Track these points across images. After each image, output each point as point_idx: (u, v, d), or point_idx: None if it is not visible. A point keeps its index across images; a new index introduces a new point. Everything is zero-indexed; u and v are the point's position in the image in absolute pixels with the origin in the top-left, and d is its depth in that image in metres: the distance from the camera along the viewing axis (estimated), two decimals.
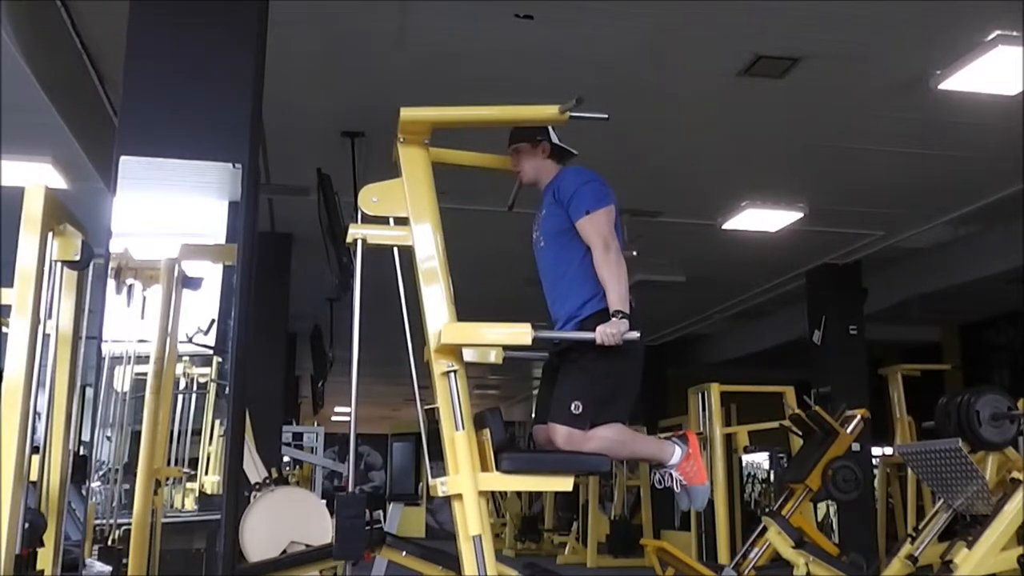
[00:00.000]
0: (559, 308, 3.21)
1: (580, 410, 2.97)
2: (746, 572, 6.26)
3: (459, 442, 2.79)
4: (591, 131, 5.62)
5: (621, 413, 3.10)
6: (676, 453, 3.20)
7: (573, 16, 4.75)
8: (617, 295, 2.99)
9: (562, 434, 2.98)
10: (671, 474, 3.20)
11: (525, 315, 2.97)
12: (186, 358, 3.60)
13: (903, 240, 8.53)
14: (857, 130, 6.23)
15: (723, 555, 7.76)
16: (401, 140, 3.05)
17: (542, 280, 3.30)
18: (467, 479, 2.77)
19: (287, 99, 5.47)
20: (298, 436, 12.10)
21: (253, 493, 5.47)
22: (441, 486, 2.82)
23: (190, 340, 3.43)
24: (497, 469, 2.83)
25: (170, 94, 3.32)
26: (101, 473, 3.50)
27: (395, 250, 3.06)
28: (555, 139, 3.34)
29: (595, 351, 2.98)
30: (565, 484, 2.94)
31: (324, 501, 5.90)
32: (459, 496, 2.77)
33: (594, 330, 2.95)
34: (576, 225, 3.14)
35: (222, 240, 3.34)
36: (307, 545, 4.80)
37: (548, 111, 3.04)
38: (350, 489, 3.23)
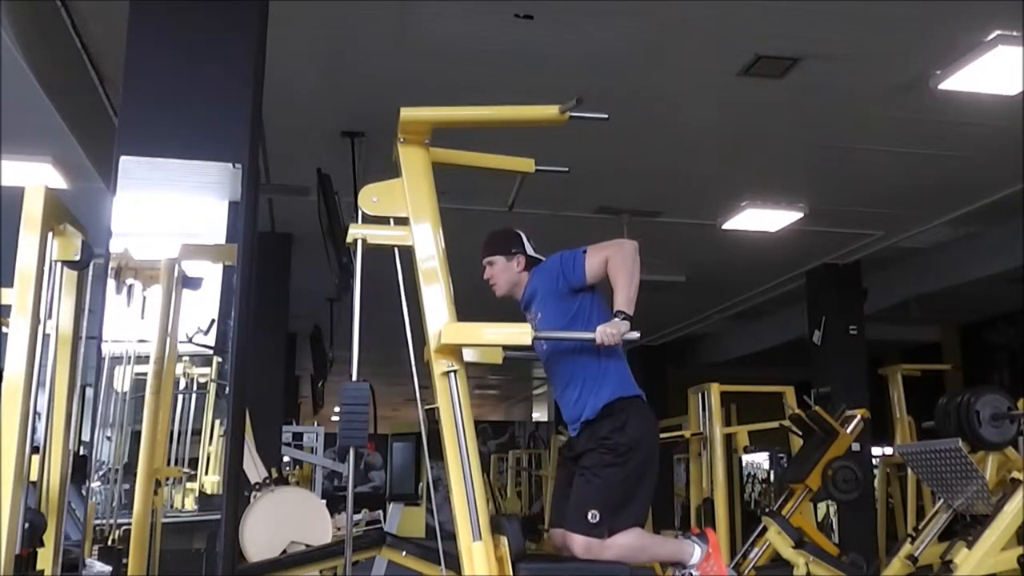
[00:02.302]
0: (571, 412, 3.18)
1: (597, 519, 2.96)
2: (746, 572, 6.25)
3: (476, 553, 2.71)
4: (591, 131, 5.67)
5: (639, 516, 3.08)
6: (696, 553, 3.18)
7: (573, 16, 4.75)
8: (625, 296, 2.98)
9: (580, 544, 2.96)
10: (692, 574, 3.17)
11: (525, 315, 2.97)
12: (186, 358, 3.60)
13: (903, 240, 8.53)
14: (857, 130, 6.23)
15: (723, 555, 7.75)
16: (401, 140, 3.05)
17: (551, 381, 3.28)
18: None
19: (287, 99, 5.47)
20: (298, 436, 12.10)
21: (253, 493, 5.47)
22: None
23: (190, 340, 3.43)
24: None
25: (170, 94, 3.32)
26: (101, 473, 3.50)
27: (395, 250, 3.06)
28: (530, 251, 3.33)
29: (611, 455, 2.99)
30: None
31: (324, 501, 5.90)
32: None
33: (606, 431, 2.98)
34: (588, 271, 3.10)
35: (222, 240, 3.34)
36: (307, 545, 4.79)
37: (548, 111, 3.04)
38: (349, 489, 3.23)
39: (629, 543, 2.99)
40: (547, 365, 3.30)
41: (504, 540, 2.84)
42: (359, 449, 2.88)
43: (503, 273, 3.32)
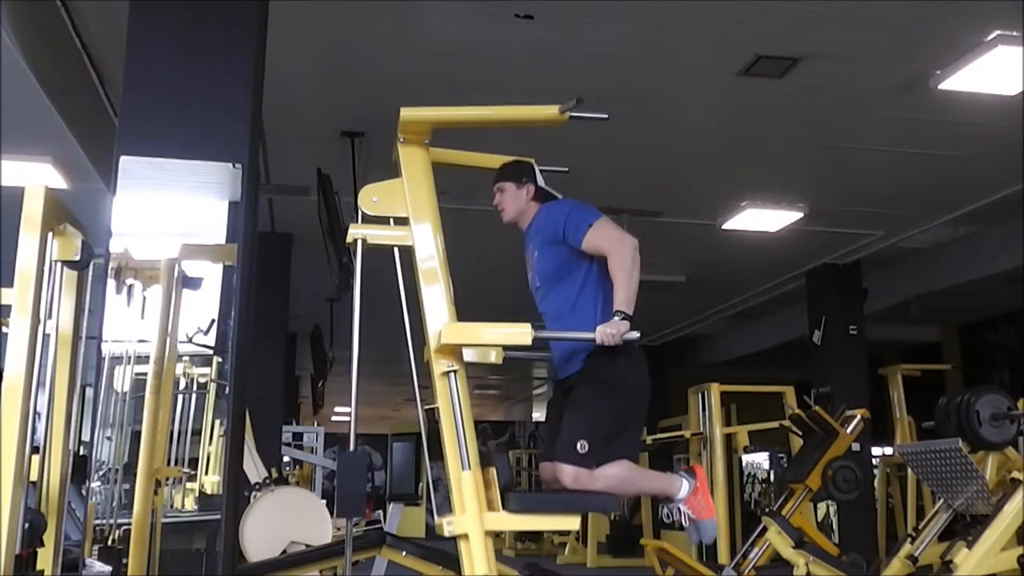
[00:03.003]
0: (565, 346, 3.18)
1: (586, 449, 2.95)
2: (746, 572, 6.26)
3: (465, 482, 2.76)
4: (591, 131, 5.66)
5: (627, 449, 3.08)
6: (684, 487, 3.19)
7: (573, 16, 4.75)
8: (625, 295, 2.97)
9: (569, 474, 2.96)
10: (679, 508, 3.18)
11: (525, 315, 2.97)
12: (186, 358, 3.60)
13: (903, 240, 8.53)
14: (857, 130, 6.23)
15: (723, 555, 7.76)
16: (401, 140, 3.05)
17: (544, 321, 3.27)
18: (473, 519, 2.73)
19: (287, 99, 5.47)
20: (298, 436, 12.10)
21: (253, 493, 5.47)
22: (447, 526, 2.78)
23: (190, 340, 3.43)
24: (504, 509, 2.80)
25: (170, 94, 3.32)
26: (101, 473, 3.50)
27: (395, 250, 3.06)
28: (541, 182, 3.31)
29: (601, 388, 2.99)
30: (572, 523, 2.94)
31: (324, 501, 5.90)
32: (465, 536, 2.74)
33: (599, 364, 2.95)
34: (584, 245, 3.09)
35: (222, 240, 3.34)
36: (307, 545, 4.80)
37: (548, 111, 3.04)
38: None
39: (617, 474, 2.99)
40: (540, 298, 3.29)
41: (493, 472, 2.87)
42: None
43: (512, 200, 3.31)
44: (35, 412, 2.48)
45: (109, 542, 3.30)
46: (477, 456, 2.82)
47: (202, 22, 3.38)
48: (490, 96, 3.33)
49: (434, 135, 3.10)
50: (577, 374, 3.11)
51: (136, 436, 3.24)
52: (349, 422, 2.94)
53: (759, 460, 11.60)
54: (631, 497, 3.47)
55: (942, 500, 5.18)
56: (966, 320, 11.77)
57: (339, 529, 5.38)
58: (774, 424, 7.85)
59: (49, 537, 2.62)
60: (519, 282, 3.41)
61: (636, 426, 3.16)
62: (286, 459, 11.14)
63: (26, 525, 2.41)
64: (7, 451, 2.34)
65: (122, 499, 3.37)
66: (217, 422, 3.86)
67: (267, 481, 5.83)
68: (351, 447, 3.06)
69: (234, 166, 3.24)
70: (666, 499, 3.23)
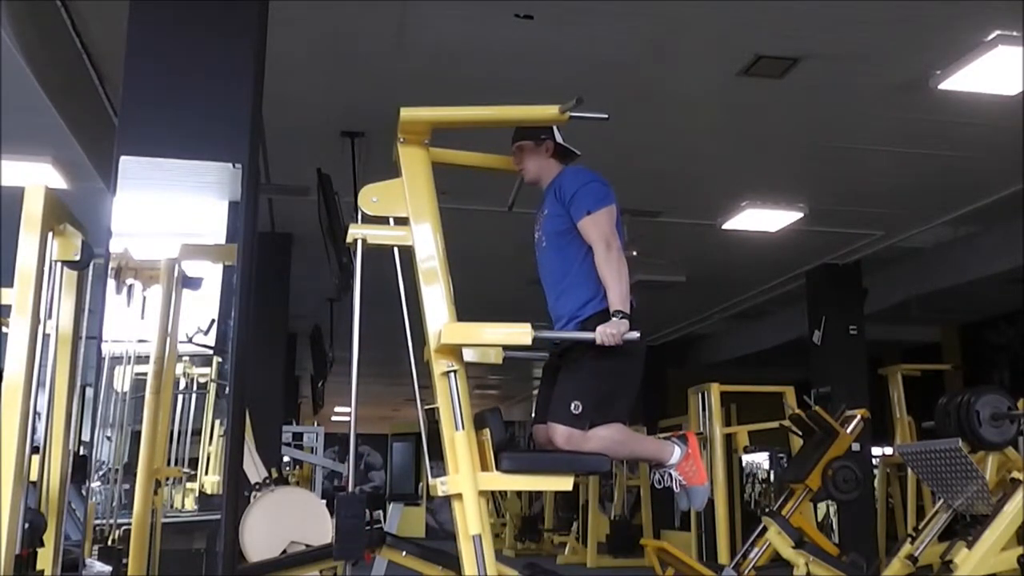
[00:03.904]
0: (560, 307, 3.20)
1: (580, 410, 2.97)
2: (746, 572, 6.25)
3: (459, 442, 2.79)
4: (591, 131, 5.64)
5: (621, 413, 3.10)
6: (675, 453, 3.21)
7: (573, 16, 4.75)
8: (618, 295, 2.99)
9: (562, 434, 2.98)
10: (671, 474, 3.21)
11: (525, 315, 2.98)
12: (186, 358, 3.60)
13: (903, 240, 8.53)
14: (857, 130, 6.23)
15: (723, 555, 7.76)
16: (401, 140, 3.06)
17: (543, 279, 3.30)
18: (467, 479, 2.77)
19: (287, 99, 5.48)
20: (298, 436, 12.11)
21: (253, 493, 5.47)
22: (441, 486, 2.82)
23: (190, 340, 3.43)
24: (497, 469, 2.83)
25: (170, 94, 3.32)
26: (101, 473, 3.50)
27: (395, 250, 3.06)
28: (559, 139, 3.33)
29: (596, 350, 2.98)
30: (565, 484, 2.94)
31: (324, 501, 5.90)
32: (459, 496, 2.77)
33: (595, 330, 2.95)
34: (578, 226, 3.13)
35: (222, 240, 3.34)
36: (307, 545, 4.79)
37: (548, 111, 3.05)
38: (350, 489, 3.23)
39: (611, 436, 3.01)
40: (541, 253, 3.30)
41: (487, 432, 2.88)
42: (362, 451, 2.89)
43: (532, 158, 3.33)
44: (35, 412, 2.48)
45: (109, 542, 3.30)
46: (471, 416, 2.84)
47: (202, 22, 3.38)
48: (490, 96, 3.33)
49: (434, 135, 3.10)
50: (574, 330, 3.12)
51: (136, 436, 3.24)
52: (349, 422, 2.95)
53: (759, 460, 11.62)
54: (624, 458, 3.52)
55: (942, 500, 5.18)
56: (966, 320, 11.77)
57: None
58: (774, 424, 7.84)
59: (49, 537, 2.62)
60: (519, 282, 3.42)
61: (631, 390, 3.16)
62: (286, 459, 11.15)
63: (26, 525, 2.41)
64: (7, 451, 2.34)
65: (122, 499, 3.38)
66: (217, 422, 3.86)
67: (267, 481, 5.83)
68: (351, 447, 3.07)
69: (234, 166, 3.24)
70: (658, 464, 3.25)
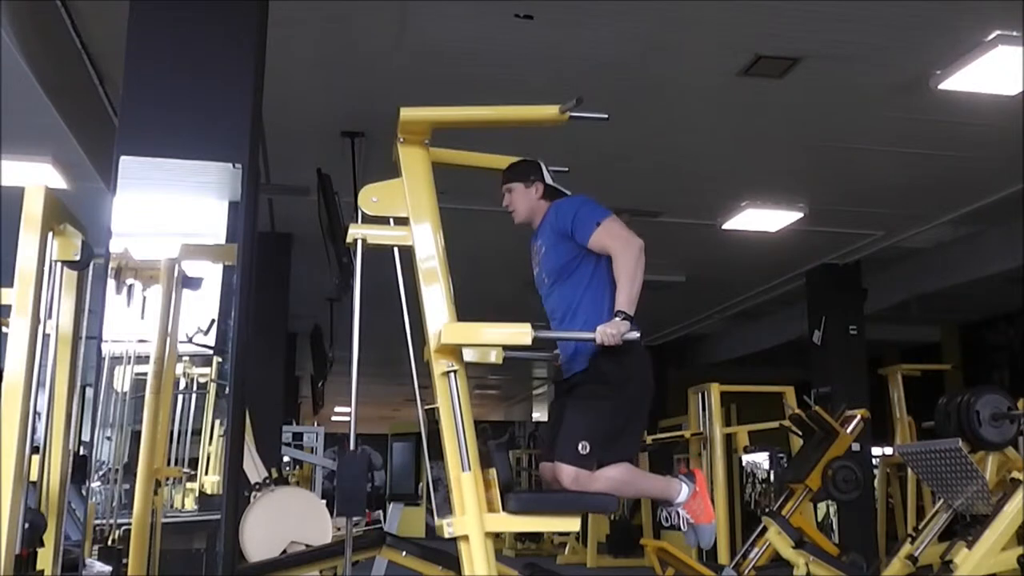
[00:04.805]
0: (569, 344, 3.18)
1: (587, 450, 2.94)
2: (746, 572, 6.26)
3: (466, 483, 2.74)
4: (591, 131, 5.66)
5: (628, 451, 3.08)
6: (683, 491, 3.19)
7: (573, 16, 4.75)
8: (627, 296, 2.97)
9: (569, 474, 2.95)
10: (678, 512, 3.18)
11: (525, 315, 2.97)
12: (186, 358, 3.60)
13: (903, 240, 8.53)
14: (857, 130, 6.23)
15: (723, 555, 7.76)
16: (401, 140, 3.05)
17: (551, 316, 3.27)
18: (474, 521, 2.73)
19: (287, 99, 5.48)
20: (298, 436, 12.11)
21: (253, 493, 5.47)
22: (447, 527, 2.77)
23: (190, 340, 3.43)
24: (504, 509, 2.79)
25: (170, 94, 3.32)
26: (101, 473, 3.50)
27: (395, 250, 3.06)
28: (549, 179, 3.31)
29: (603, 387, 2.98)
30: (572, 524, 2.94)
31: (324, 501, 5.90)
32: (465, 537, 2.73)
33: (602, 363, 2.96)
34: (591, 242, 3.09)
35: (222, 240, 3.34)
36: (307, 545, 4.79)
37: (548, 111, 3.04)
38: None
39: (618, 476, 2.99)
40: (547, 294, 3.28)
41: (493, 472, 2.86)
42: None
43: (522, 200, 3.30)
44: (35, 412, 2.48)
45: (109, 542, 3.30)
46: (477, 457, 2.81)
47: (202, 22, 3.38)
48: (490, 96, 3.33)
49: (434, 135, 3.10)
50: (581, 373, 3.10)
51: (136, 436, 3.24)
52: (349, 422, 2.94)
53: (759, 460, 11.60)
54: (630, 499, 3.54)
55: (942, 500, 5.18)
56: (966, 320, 11.77)
57: (339, 529, 5.38)
58: (774, 424, 7.85)
59: (49, 537, 2.62)
60: (519, 282, 3.42)
61: (638, 427, 3.16)
62: (286, 459, 11.15)
63: (26, 525, 2.41)
64: (7, 451, 2.34)
65: (122, 499, 3.37)
66: (217, 422, 3.86)
67: (267, 481, 5.83)
68: (351, 447, 3.06)
69: (234, 166, 3.24)
70: (665, 502, 3.23)
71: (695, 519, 3.17)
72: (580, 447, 2.94)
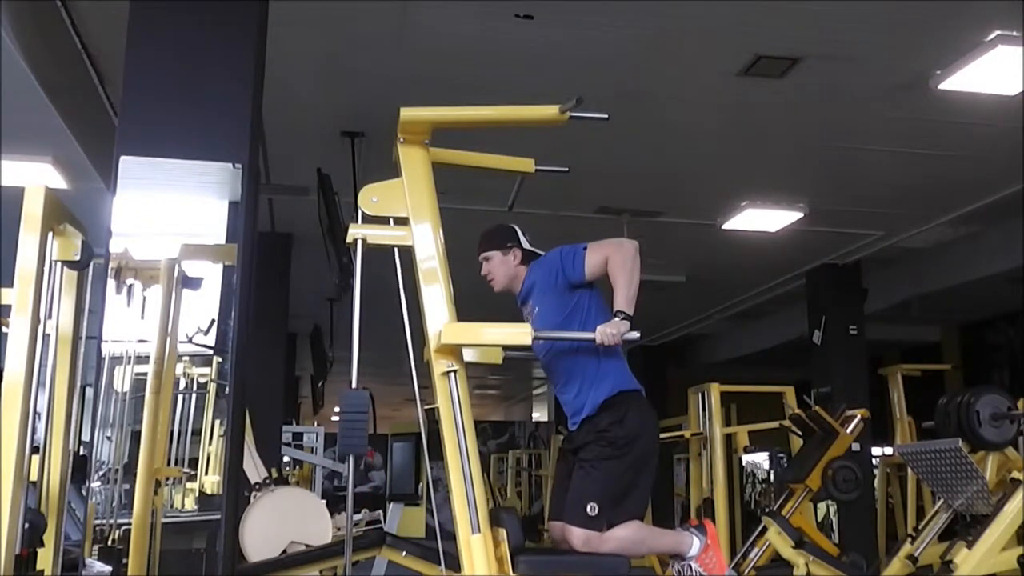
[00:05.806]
0: (578, 401, 3.17)
1: (596, 512, 2.95)
2: (746, 572, 6.25)
3: (475, 546, 2.70)
4: (591, 131, 5.66)
5: (638, 508, 3.07)
6: (695, 545, 3.18)
7: (573, 16, 4.75)
8: (625, 297, 2.97)
9: (579, 536, 2.95)
10: (691, 566, 3.16)
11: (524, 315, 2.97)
12: (186, 358, 3.60)
13: (903, 240, 8.53)
14: (857, 130, 6.23)
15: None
16: (401, 140, 3.05)
17: (550, 378, 3.27)
18: None
19: (287, 99, 5.47)
20: (298, 436, 12.09)
21: (253, 493, 5.47)
22: None
23: (190, 340, 3.43)
24: (514, 572, 2.78)
25: (170, 94, 3.32)
26: (101, 473, 3.50)
27: (395, 250, 3.06)
28: (525, 244, 3.32)
29: (610, 448, 2.99)
30: None
31: (324, 501, 5.90)
32: None
33: (607, 426, 2.97)
34: (587, 267, 3.10)
35: (222, 240, 3.34)
36: (307, 545, 4.79)
37: (548, 111, 3.04)
38: (349, 491, 3.23)
39: (628, 536, 2.99)
40: (546, 363, 3.30)
41: (503, 533, 2.83)
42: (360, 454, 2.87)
43: (500, 267, 3.32)
44: (35, 412, 2.48)
45: (109, 542, 3.30)
46: (487, 518, 2.77)
47: (202, 22, 3.38)
48: (490, 96, 3.33)
49: (434, 135, 3.10)
50: (586, 427, 3.10)
51: (136, 436, 3.24)
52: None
53: (759, 460, 11.62)
54: (643, 555, 3.54)
55: (942, 500, 5.17)
56: (966, 320, 11.77)
57: (339, 529, 5.39)
58: (774, 424, 7.83)
59: (49, 537, 2.62)
60: None
61: (647, 481, 3.12)
62: (286, 459, 11.14)
63: (26, 525, 2.41)
64: (7, 451, 2.34)
65: (122, 499, 3.37)
66: (217, 422, 3.86)
67: (267, 481, 5.82)
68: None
69: (234, 166, 3.24)
70: (677, 557, 3.20)
71: (707, 572, 3.15)
72: (589, 508, 2.95)
